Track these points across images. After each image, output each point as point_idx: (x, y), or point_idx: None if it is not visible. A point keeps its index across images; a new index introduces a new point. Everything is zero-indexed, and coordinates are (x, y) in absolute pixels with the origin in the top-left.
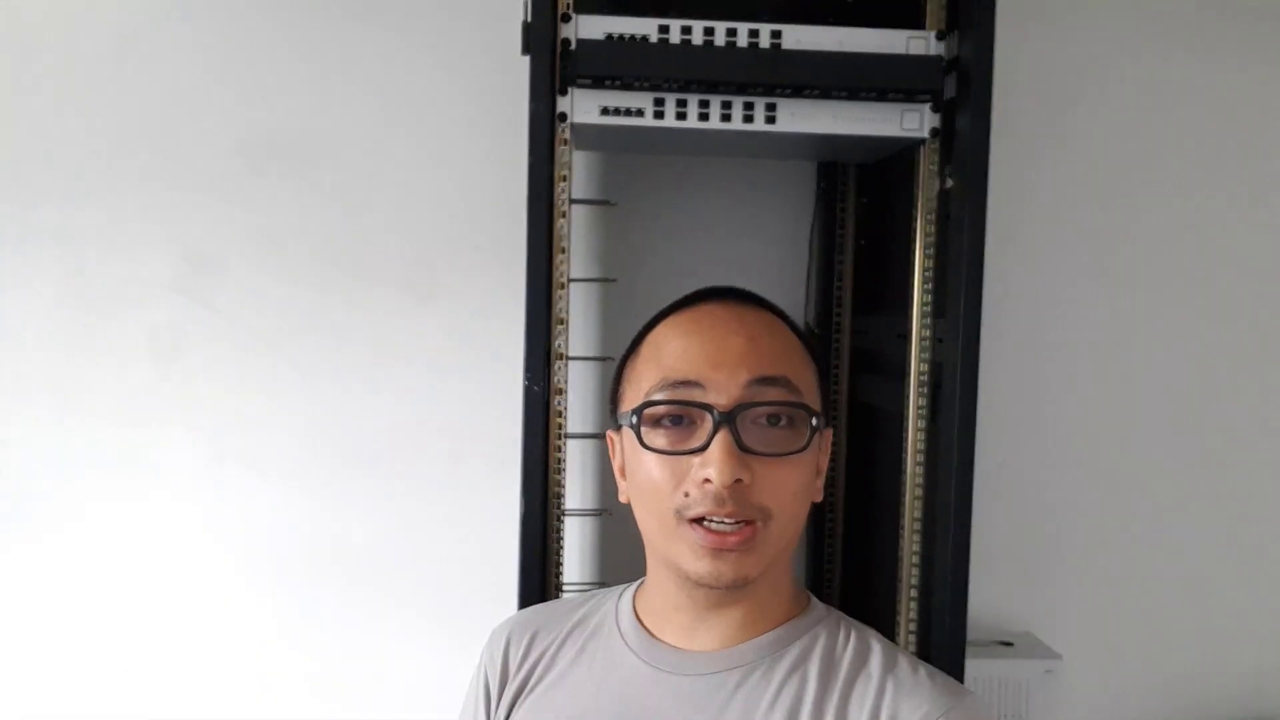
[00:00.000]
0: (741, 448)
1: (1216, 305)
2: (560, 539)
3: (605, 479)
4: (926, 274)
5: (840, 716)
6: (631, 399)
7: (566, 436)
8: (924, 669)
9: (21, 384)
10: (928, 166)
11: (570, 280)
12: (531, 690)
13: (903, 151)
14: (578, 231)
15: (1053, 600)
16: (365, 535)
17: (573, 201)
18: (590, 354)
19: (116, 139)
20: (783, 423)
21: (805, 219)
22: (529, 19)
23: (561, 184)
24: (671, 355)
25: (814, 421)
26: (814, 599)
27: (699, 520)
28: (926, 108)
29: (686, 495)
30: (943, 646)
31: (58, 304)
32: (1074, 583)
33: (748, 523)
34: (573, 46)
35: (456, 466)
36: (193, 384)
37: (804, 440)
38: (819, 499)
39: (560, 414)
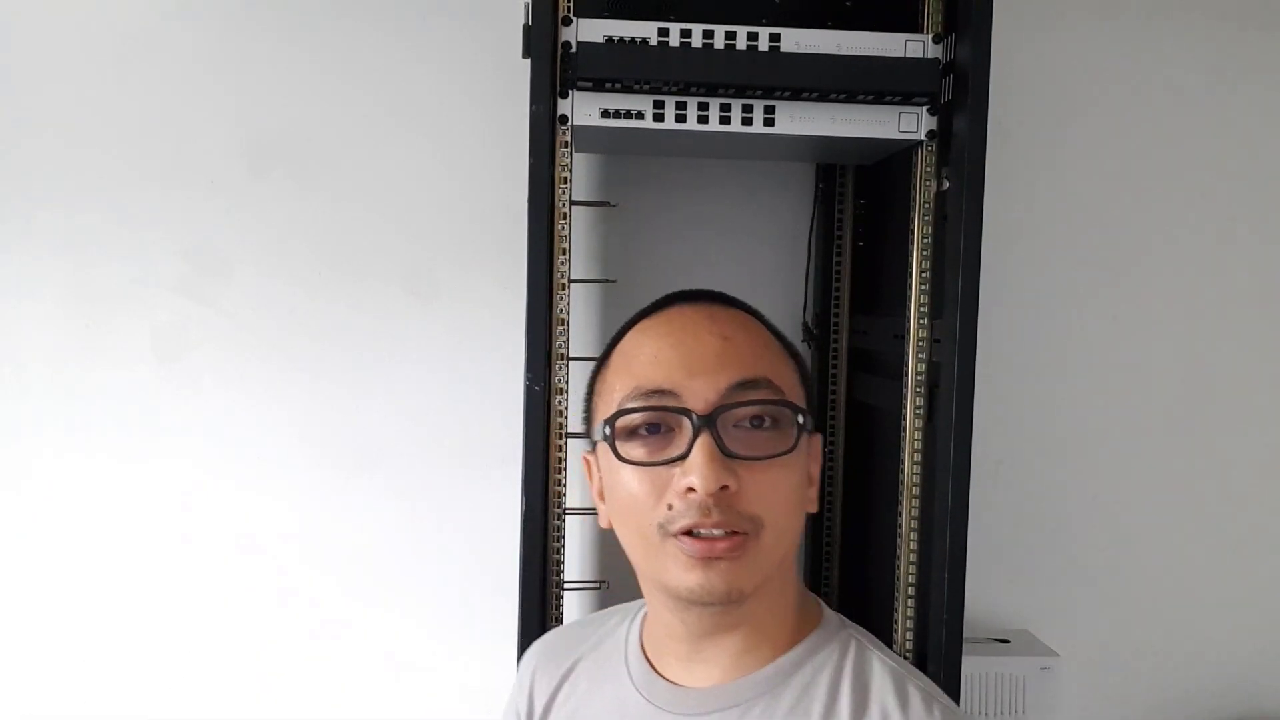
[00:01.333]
0: (725, 452)
1: (1214, 305)
2: (561, 538)
3: None
4: (924, 275)
5: None
6: (604, 412)
7: (567, 436)
8: (938, 709)
9: (25, 384)
10: (925, 168)
11: (571, 281)
12: None
13: (900, 153)
14: (578, 232)
15: (1050, 598)
16: (366, 534)
17: (573, 203)
18: (590, 354)
19: (119, 141)
20: (767, 424)
21: (804, 220)
22: (529, 22)
23: (562, 185)
24: (643, 363)
25: (800, 419)
26: (825, 613)
27: (686, 533)
28: (924, 110)
29: (670, 508)
30: (940, 644)
31: (60, 305)
32: (1071, 581)
33: (738, 533)
34: (573, 49)
35: (458, 465)
36: (196, 384)
37: (791, 441)
38: (813, 509)
39: (561, 413)
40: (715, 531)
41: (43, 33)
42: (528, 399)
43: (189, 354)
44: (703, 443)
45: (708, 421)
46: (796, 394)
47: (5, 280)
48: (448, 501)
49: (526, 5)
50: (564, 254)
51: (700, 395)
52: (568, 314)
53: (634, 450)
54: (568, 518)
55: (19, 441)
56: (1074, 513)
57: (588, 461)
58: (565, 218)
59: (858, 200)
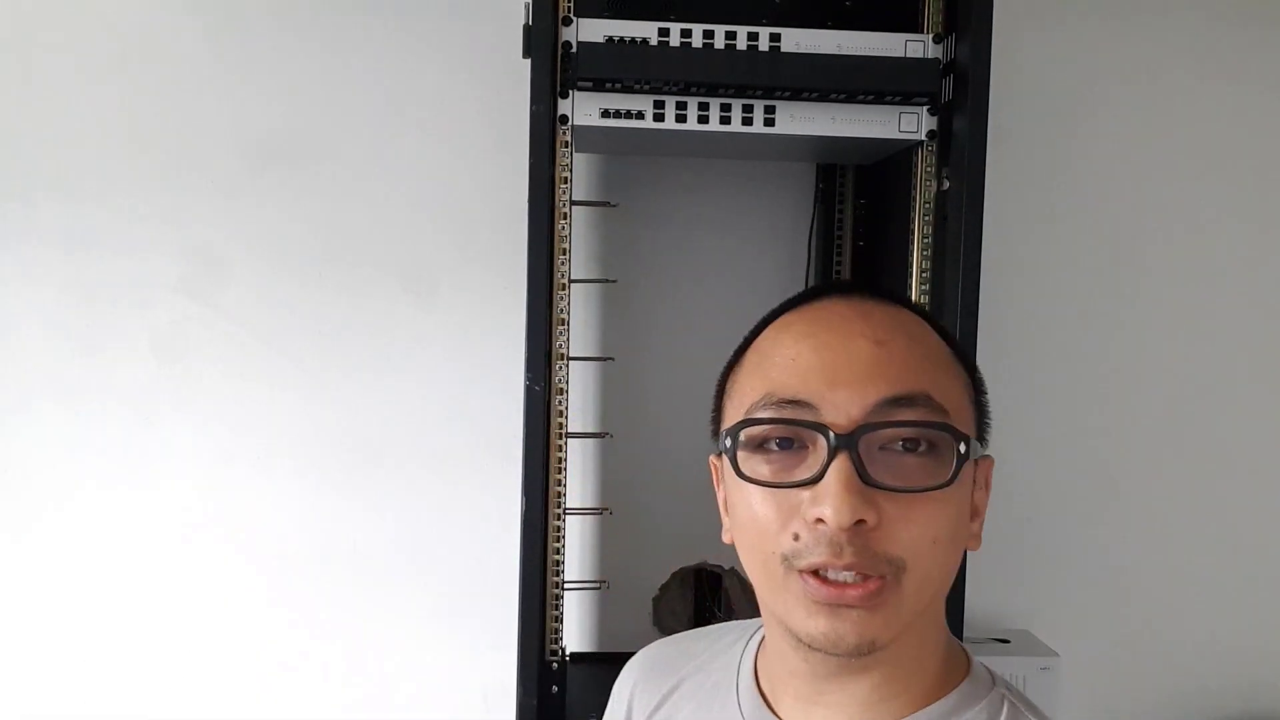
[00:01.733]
0: (865, 480)
1: (1213, 305)
2: (561, 537)
3: (605, 478)
4: (924, 275)
5: None
6: (730, 418)
7: (567, 436)
8: None
9: (25, 383)
10: (925, 168)
11: (571, 281)
12: None
13: (900, 153)
14: (578, 232)
15: (1050, 598)
16: (366, 534)
17: (573, 203)
18: (590, 354)
19: (120, 139)
20: (921, 449)
21: (804, 220)
22: (530, 22)
23: (562, 185)
24: (779, 366)
25: (962, 448)
26: (973, 665)
27: (812, 570)
28: (924, 110)
29: (796, 538)
30: None
31: (61, 303)
32: (1071, 581)
33: (875, 576)
34: (573, 49)
35: (458, 465)
36: (195, 383)
37: (949, 472)
38: (975, 546)
39: (561, 413)
40: (846, 575)
41: (43, 33)
42: (528, 399)
43: (189, 354)
44: (839, 466)
45: (848, 442)
46: (963, 415)
47: (5, 280)
48: (448, 501)
49: (527, 5)
50: (564, 254)
51: (842, 410)
52: (568, 314)
53: (759, 467)
54: (568, 518)
55: (18, 441)
56: (1074, 513)
57: (715, 467)
58: (565, 218)
59: (858, 200)
